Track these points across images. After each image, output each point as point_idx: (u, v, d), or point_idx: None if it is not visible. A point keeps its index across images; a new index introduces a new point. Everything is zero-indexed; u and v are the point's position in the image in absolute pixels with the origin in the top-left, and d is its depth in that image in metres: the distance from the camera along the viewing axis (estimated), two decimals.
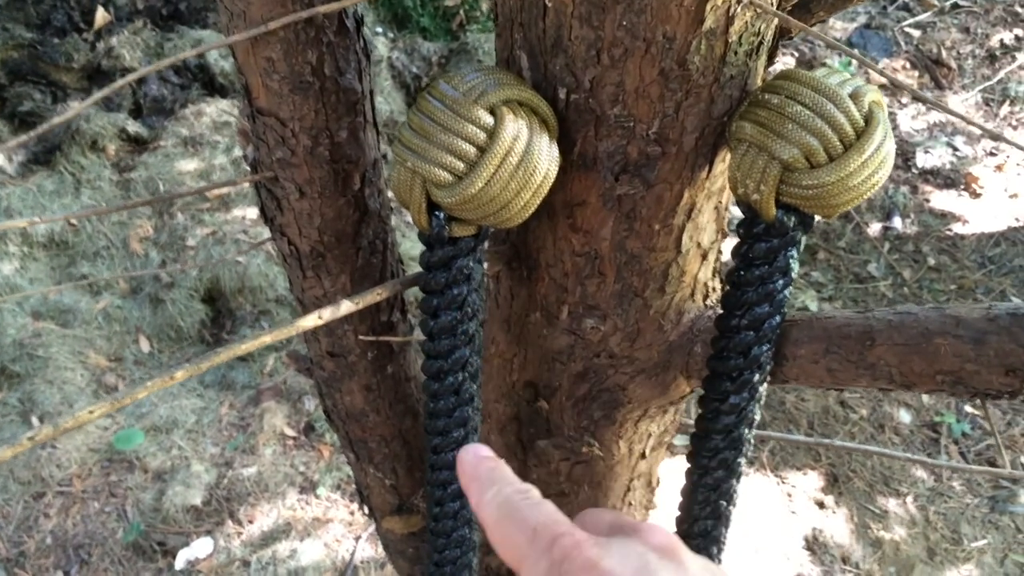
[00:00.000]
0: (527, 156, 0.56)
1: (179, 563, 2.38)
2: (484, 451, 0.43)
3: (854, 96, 0.55)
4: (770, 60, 0.63)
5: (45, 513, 2.48)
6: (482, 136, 0.55)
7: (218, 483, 2.57)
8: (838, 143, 0.54)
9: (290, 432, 2.72)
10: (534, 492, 0.41)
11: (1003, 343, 0.54)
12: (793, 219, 0.58)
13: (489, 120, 0.55)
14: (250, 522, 2.49)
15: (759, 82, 0.61)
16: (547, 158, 0.57)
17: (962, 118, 0.56)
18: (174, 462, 2.62)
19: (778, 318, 0.64)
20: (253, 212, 3.34)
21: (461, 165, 0.56)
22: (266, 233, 3.16)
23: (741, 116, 0.57)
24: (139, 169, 3.54)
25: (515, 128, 0.55)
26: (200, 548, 2.42)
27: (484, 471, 0.42)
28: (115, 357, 2.96)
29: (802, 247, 0.62)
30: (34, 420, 2.66)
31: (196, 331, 3.12)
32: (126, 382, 2.88)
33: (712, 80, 0.56)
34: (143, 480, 2.58)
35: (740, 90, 0.59)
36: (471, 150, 0.55)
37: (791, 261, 0.62)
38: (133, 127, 3.69)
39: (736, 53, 0.55)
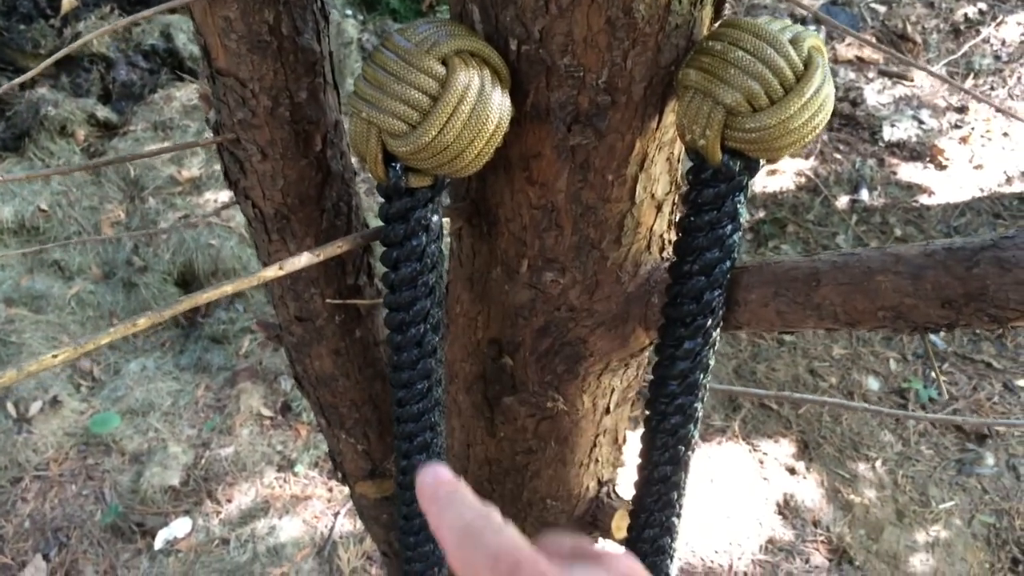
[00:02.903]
0: (479, 105, 0.57)
1: (158, 543, 2.38)
2: (444, 473, 0.42)
3: (794, 41, 0.56)
4: (717, 12, 0.64)
5: (23, 497, 2.47)
6: (434, 85, 0.56)
7: (195, 464, 2.58)
8: (778, 87, 0.56)
9: (267, 412, 2.73)
10: (495, 515, 0.39)
11: (939, 276, 0.56)
12: (739, 163, 0.60)
13: (441, 70, 0.57)
14: (228, 501, 2.49)
15: (705, 32, 0.62)
16: (499, 107, 0.58)
17: (945, 79, 0.57)
18: (151, 444, 2.62)
19: (728, 263, 0.66)
20: (224, 195, 3.33)
21: (415, 114, 0.57)
22: (239, 216, 3.15)
23: (687, 64, 0.59)
24: (109, 154, 3.52)
25: (466, 77, 0.56)
26: (179, 528, 2.42)
27: (443, 494, 0.41)
28: None
29: (749, 193, 0.64)
30: (9, 406, 2.65)
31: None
32: (100, 366, 2.87)
33: (658, 29, 0.57)
34: (120, 463, 2.58)
35: (686, 40, 0.60)
36: (424, 99, 0.57)
37: (739, 207, 0.63)
38: (102, 112, 3.66)
39: (680, 2, 0.57)
